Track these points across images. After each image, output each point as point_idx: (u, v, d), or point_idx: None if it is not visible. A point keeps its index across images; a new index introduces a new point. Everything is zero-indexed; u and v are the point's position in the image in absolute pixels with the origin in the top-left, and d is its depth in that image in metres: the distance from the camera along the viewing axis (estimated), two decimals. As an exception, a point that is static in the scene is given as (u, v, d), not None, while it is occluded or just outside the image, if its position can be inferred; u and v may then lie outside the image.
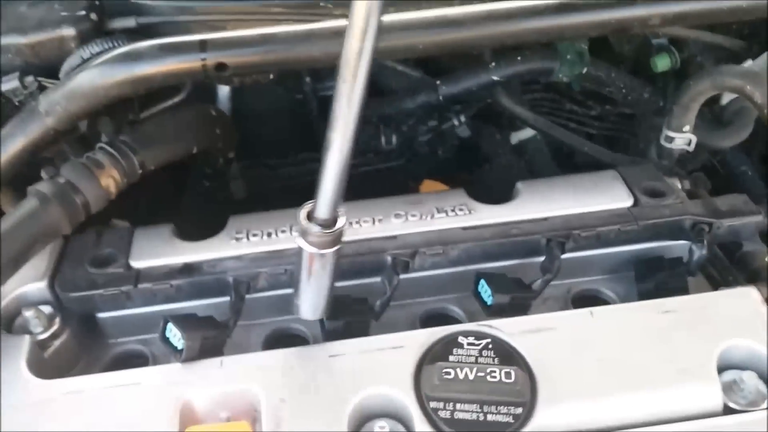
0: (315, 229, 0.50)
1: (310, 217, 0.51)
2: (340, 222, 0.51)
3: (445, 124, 1.06)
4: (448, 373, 0.56)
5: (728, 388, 0.57)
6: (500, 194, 0.98)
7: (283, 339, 0.68)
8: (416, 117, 1.05)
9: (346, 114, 0.45)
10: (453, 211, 0.70)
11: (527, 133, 1.11)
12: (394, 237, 0.68)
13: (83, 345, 0.66)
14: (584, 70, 0.93)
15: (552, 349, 0.58)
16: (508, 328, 0.60)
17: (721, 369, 0.57)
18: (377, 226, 0.69)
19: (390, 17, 0.66)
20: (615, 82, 0.96)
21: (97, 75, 0.62)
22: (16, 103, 0.71)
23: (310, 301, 0.56)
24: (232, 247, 0.67)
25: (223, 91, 0.99)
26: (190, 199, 0.94)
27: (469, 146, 1.10)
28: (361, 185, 1.08)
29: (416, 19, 0.66)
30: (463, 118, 1.06)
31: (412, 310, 0.70)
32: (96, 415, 0.54)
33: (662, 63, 0.94)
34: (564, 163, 1.11)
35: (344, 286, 0.68)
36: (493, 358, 0.57)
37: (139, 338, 0.68)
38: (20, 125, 0.66)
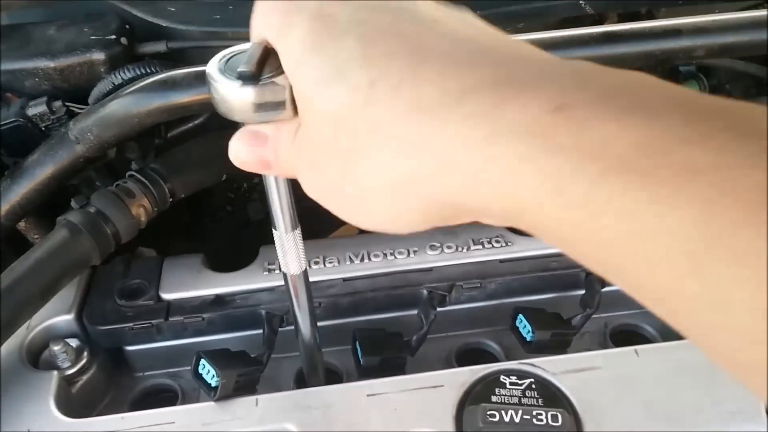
0: None
1: None
2: None
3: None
4: (493, 416, 0.54)
5: (777, 431, 0.55)
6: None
7: (315, 373, 0.66)
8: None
9: None
10: (489, 243, 0.69)
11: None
12: (430, 269, 0.67)
13: (111, 379, 0.64)
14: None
15: (597, 390, 0.56)
16: (550, 367, 0.58)
17: (769, 410, 0.56)
18: (413, 257, 0.68)
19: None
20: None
21: (131, 102, 0.60)
22: (43, 128, 0.70)
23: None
24: (264, 278, 0.66)
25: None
26: (212, 224, 0.93)
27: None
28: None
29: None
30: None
31: (446, 343, 0.69)
32: (128, 456, 0.53)
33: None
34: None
35: (379, 319, 0.67)
36: (537, 399, 0.56)
37: (167, 371, 0.66)
38: (50, 152, 0.64)
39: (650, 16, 0.81)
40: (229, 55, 0.38)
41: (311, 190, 0.35)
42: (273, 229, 0.48)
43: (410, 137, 0.28)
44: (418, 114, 0.28)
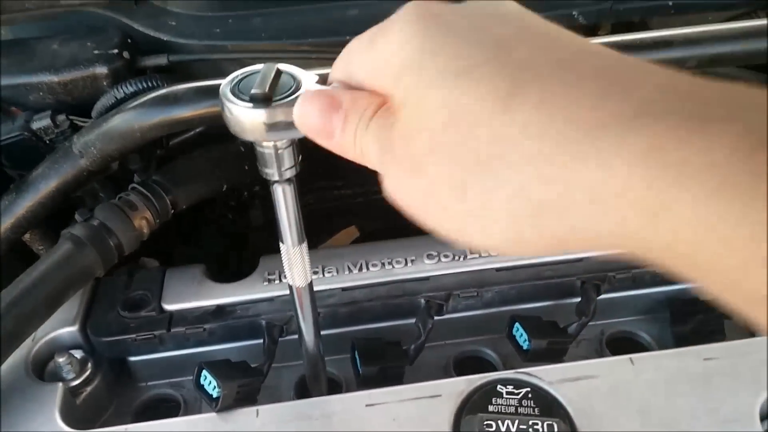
0: None
1: None
2: None
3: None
4: (490, 426, 0.55)
5: (772, 439, 0.56)
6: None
7: (315, 382, 0.67)
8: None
9: None
10: (486, 251, 0.69)
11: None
12: (427, 278, 0.67)
13: (114, 389, 0.66)
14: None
15: (592, 399, 0.57)
16: (547, 376, 0.59)
17: (763, 418, 0.56)
18: (410, 267, 0.68)
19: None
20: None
21: (134, 117, 0.62)
22: (47, 141, 0.71)
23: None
24: (264, 289, 0.67)
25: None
26: (213, 232, 0.94)
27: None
28: (375, 211, 1.09)
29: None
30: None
31: (444, 351, 0.70)
32: (131, 466, 0.54)
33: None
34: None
35: (378, 328, 0.68)
36: (534, 408, 0.56)
37: (169, 381, 0.67)
38: (54, 166, 0.65)
39: (643, 26, 0.81)
40: (242, 76, 0.39)
41: (400, 194, 0.31)
42: (280, 243, 0.49)
43: (556, 165, 0.24)
44: (568, 141, 0.24)
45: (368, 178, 1.07)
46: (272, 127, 0.37)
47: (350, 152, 0.34)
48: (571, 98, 0.25)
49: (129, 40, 0.74)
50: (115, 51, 0.72)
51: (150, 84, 0.68)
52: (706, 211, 0.21)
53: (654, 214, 0.23)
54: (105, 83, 0.71)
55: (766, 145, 0.21)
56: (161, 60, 0.74)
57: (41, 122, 0.70)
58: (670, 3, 0.77)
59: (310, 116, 0.34)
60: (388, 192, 0.32)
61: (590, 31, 0.81)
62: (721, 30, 0.66)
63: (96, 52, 0.72)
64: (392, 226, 0.76)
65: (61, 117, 0.70)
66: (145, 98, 0.63)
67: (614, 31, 0.82)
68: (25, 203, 0.66)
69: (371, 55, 0.33)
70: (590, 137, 0.24)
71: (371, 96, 0.32)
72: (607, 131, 0.24)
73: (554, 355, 0.63)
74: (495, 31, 0.28)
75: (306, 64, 0.71)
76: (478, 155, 0.27)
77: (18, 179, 0.71)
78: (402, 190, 0.31)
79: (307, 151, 0.99)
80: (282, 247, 0.50)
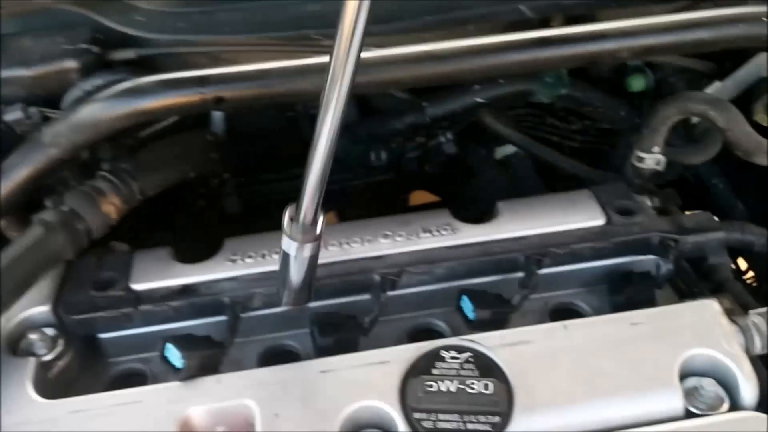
0: (296, 228, 0.55)
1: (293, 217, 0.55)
2: (319, 223, 0.56)
3: (432, 142, 1.10)
4: (431, 386, 0.60)
5: (689, 394, 0.61)
6: (485, 207, 1.03)
7: (276, 355, 0.71)
8: (404, 135, 1.09)
9: (327, 131, 0.50)
10: (438, 231, 0.74)
11: (511, 148, 1.16)
12: (382, 257, 0.72)
13: (85, 364, 0.70)
14: (563, 92, 0.97)
15: (528, 361, 0.62)
16: (487, 342, 0.64)
17: (683, 376, 0.62)
18: (366, 246, 0.73)
19: (379, 53, 0.70)
20: (592, 102, 1.01)
21: (100, 108, 0.66)
22: (19, 133, 0.74)
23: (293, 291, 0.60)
24: (227, 268, 0.71)
25: (217, 112, 1.03)
26: (185, 218, 0.98)
27: (455, 162, 1.14)
28: (353, 198, 1.14)
29: (404, 54, 0.70)
30: (449, 136, 1.10)
31: (399, 324, 0.74)
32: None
33: (637, 83, 0.99)
34: (547, 175, 1.16)
35: (335, 304, 0.72)
36: (473, 370, 0.61)
37: (138, 357, 0.71)
38: (24, 156, 0.69)
39: (592, 19, 0.85)
40: None
41: None
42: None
43: None
44: None
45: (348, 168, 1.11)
46: None
47: None
48: None
49: (99, 36, 0.78)
50: (85, 46, 0.75)
51: (117, 77, 0.72)
52: None
53: None
54: (75, 77, 0.74)
55: None
56: (129, 54, 0.77)
57: (13, 114, 0.73)
58: (612, -4, 0.81)
59: None
60: None
61: (540, 24, 0.85)
62: (654, 24, 0.71)
63: (66, 47, 0.75)
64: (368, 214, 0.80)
65: (33, 109, 0.73)
66: (111, 90, 0.67)
67: (567, 23, 0.86)
68: (-2, 192, 0.69)
69: None
70: None
71: None
72: None
73: (497, 324, 0.68)
74: None
75: (267, 57, 0.75)
76: None
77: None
78: None
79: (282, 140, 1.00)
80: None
